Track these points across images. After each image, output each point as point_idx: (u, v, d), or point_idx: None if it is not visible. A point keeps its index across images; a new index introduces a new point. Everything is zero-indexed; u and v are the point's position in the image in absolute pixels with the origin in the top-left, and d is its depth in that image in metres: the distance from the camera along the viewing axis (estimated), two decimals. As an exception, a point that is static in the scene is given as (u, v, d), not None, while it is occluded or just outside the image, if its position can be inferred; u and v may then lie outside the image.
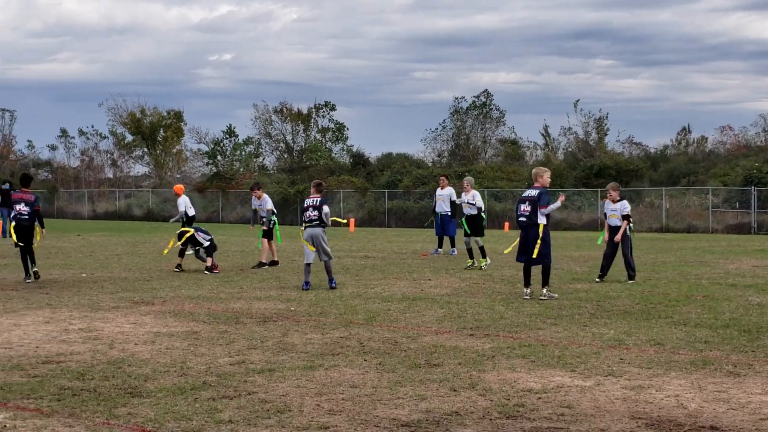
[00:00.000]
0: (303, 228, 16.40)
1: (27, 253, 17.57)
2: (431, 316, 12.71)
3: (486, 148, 66.93)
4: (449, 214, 24.91)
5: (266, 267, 20.51)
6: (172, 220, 25.94)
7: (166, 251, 19.56)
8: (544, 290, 14.68)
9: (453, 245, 25.02)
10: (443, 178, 26.00)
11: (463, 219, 20.78)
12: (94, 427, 6.86)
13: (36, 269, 17.67)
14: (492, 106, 65.81)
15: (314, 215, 16.17)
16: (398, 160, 59.90)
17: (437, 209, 25.14)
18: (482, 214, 20.79)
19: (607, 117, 60.73)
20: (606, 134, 61.11)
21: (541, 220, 14.52)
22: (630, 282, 16.97)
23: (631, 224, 17.38)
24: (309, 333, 11.26)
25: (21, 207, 17.69)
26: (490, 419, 7.14)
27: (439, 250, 25.08)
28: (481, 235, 20.63)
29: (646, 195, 46.04)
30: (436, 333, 11.28)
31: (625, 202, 17.41)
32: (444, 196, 25.15)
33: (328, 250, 16.25)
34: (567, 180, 48.90)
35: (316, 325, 11.95)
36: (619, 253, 17.28)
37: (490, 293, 15.50)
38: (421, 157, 65.53)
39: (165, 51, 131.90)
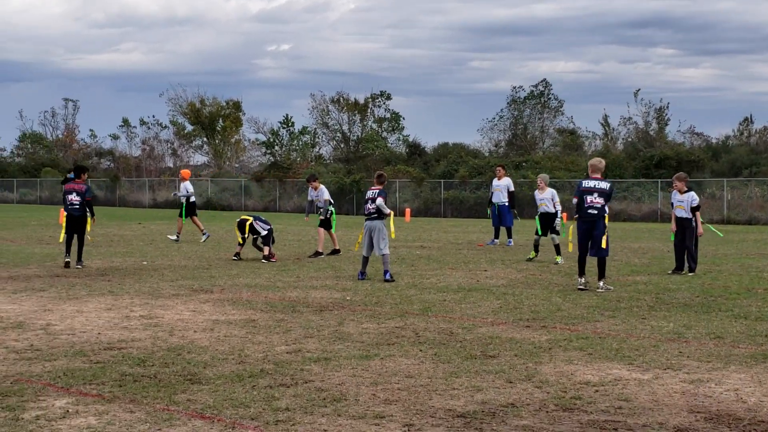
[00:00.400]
0: (365, 220, 16.48)
1: (71, 242, 18.07)
2: (487, 307, 12.69)
3: (544, 137, 66.49)
4: (506, 204, 24.83)
5: (322, 256, 20.62)
6: (174, 194, 28.01)
7: (240, 240, 19.76)
8: (601, 283, 14.57)
9: (510, 236, 24.90)
10: (500, 168, 25.91)
11: (537, 217, 20.37)
12: (155, 413, 6.97)
13: (77, 263, 17.85)
14: (550, 96, 65.39)
15: (373, 208, 16.19)
16: (454, 150, 59.72)
17: (494, 200, 25.06)
18: (558, 214, 20.25)
19: (667, 107, 59.90)
20: (666, 124, 60.31)
21: (606, 212, 14.58)
22: (690, 274, 16.78)
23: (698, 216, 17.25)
24: (365, 323, 11.31)
25: (72, 197, 18.11)
26: (547, 411, 7.12)
27: (496, 240, 24.99)
28: (557, 233, 20.05)
29: (707, 186, 45.34)
30: (492, 324, 11.26)
31: (692, 193, 17.20)
32: (501, 186, 25.08)
33: (383, 245, 16.00)
34: (626, 170, 48.34)
35: (371, 314, 12.00)
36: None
37: (547, 285, 15.41)
38: (478, 147, 65.40)
39: (224, 41, 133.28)
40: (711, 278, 16.33)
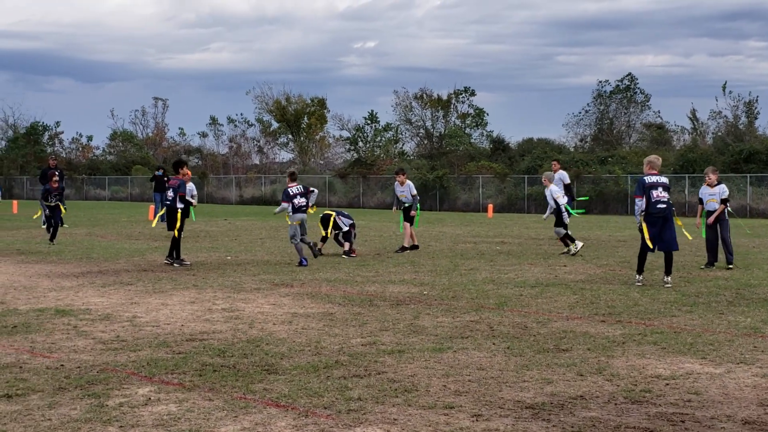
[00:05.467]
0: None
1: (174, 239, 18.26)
2: (563, 302, 12.72)
3: (630, 132, 65.69)
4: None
5: (408, 251, 20.78)
6: None
7: (323, 234, 20.31)
8: (669, 278, 14.52)
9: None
10: (555, 162, 25.63)
11: None
12: (232, 401, 7.23)
13: (175, 261, 17.94)
14: (636, 90, 64.55)
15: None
16: (539, 145, 59.43)
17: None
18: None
19: (757, 100, 58.58)
20: (756, 118, 58.99)
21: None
22: (730, 266, 16.66)
23: (728, 208, 17.10)
24: (440, 316, 11.45)
25: (169, 193, 18.69)
26: (615, 404, 7.18)
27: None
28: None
29: (798, 180, 44.27)
30: (567, 319, 11.30)
31: (723, 186, 17.18)
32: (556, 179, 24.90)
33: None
34: (715, 165, 47.39)
35: (447, 308, 12.14)
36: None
37: (626, 280, 15.34)
38: (563, 143, 64.91)
39: (311, 39, 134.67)
40: (796, 274, 16.05)
